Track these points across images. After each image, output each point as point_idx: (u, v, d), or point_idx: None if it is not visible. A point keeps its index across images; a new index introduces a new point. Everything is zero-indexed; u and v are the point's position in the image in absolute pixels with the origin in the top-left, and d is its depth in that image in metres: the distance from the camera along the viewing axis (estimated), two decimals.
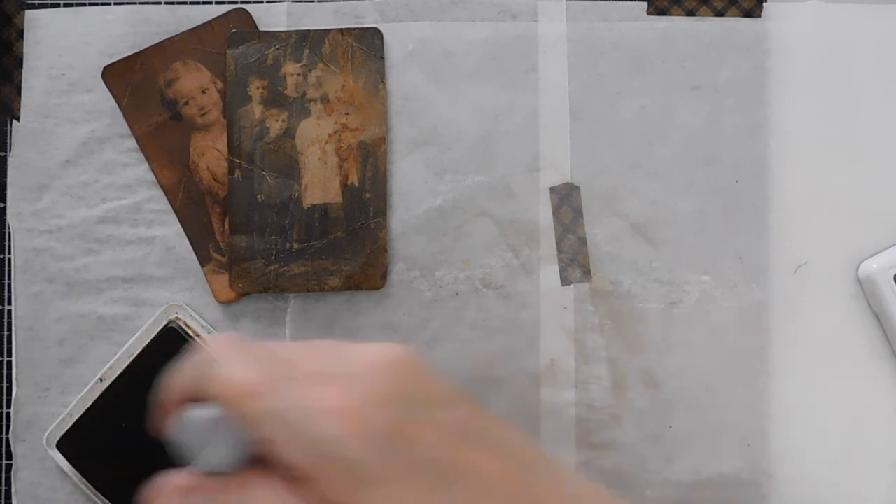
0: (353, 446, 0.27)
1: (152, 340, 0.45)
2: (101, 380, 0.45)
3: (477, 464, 0.29)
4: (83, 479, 0.44)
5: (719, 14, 0.47)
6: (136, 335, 0.45)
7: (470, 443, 0.30)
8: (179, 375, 0.32)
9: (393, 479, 0.28)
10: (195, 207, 0.46)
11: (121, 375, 0.45)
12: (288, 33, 0.46)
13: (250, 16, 0.46)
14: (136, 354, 0.45)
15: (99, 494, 0.44)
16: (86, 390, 0.45)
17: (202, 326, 0.45)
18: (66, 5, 0.46)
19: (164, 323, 0.45)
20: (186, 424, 0.31)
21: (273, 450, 0.29)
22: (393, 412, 0.28)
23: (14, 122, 0.46)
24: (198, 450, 0.30)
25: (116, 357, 0.45)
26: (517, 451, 0.31)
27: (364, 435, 0.27)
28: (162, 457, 0.43)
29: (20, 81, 0.46)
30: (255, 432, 0.29)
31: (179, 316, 0.45)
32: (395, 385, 0.29)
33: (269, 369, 0.29)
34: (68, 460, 0.44)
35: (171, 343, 0.45)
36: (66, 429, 0.45)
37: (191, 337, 0.45)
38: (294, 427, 0.28)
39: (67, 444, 0.45)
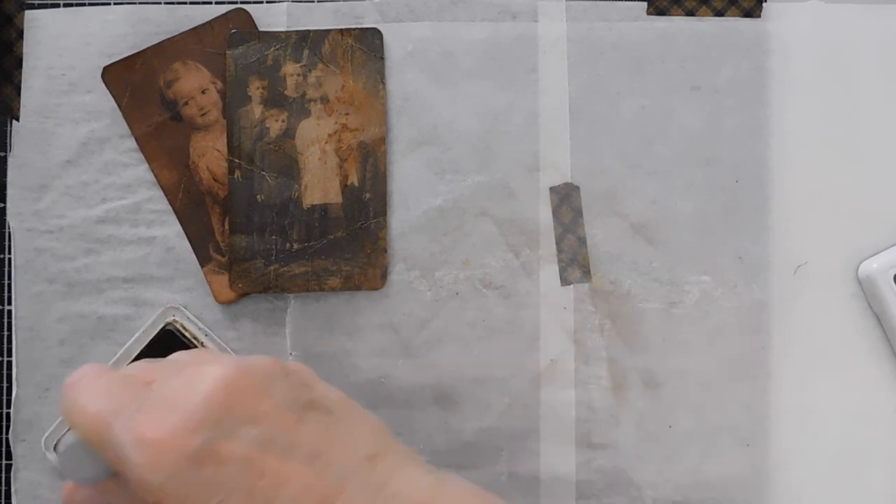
0: (157, 475, 0.31)
1: (150, 343, 0.45)
2: None
3: (287, 475, 0.32)
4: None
5: (719, 14, 0.47)
6: (134, 337, 0.45)
7: (281, 455, 0.32)
8: (60, 402, 0.35)
9: (199, 501, 0.31)
10: (195, 207, 0.46)
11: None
12: (288, 33, 0.46)
13: (250, 16, 0.46)
14: (133, 357, 0.45)
15: None
16: None
17: (199, 329, 0.45)
18: (66, 5, 0.46)
19: (162, 325, 0.45)
20: (60, 447, 0.35)
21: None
22: (200, 437, 0.31)
23: (14, 122, 0.46)
24: (69, 466, 0.34)
25: (114, 359, 0.45)
26: (339, 455, 0.33)
27: (168, 463, 0.31)
28: None
29: (20, 81, 0.46)
30: (103, 455, 0.33)
31: (177, 318, 0.45)
32: (207, 410, 0.31)
33: (116, 400, 0.33)
34: None
35: (168, 345, 0.45)
36: (64, 431, 0.45)
37: (188, 339, 0.45)
38: (120, 455, 0.32)
39: None
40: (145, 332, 0.45)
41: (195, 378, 0.33)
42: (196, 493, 0.31)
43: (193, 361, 0.35)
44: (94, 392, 0.33)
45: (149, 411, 0.32)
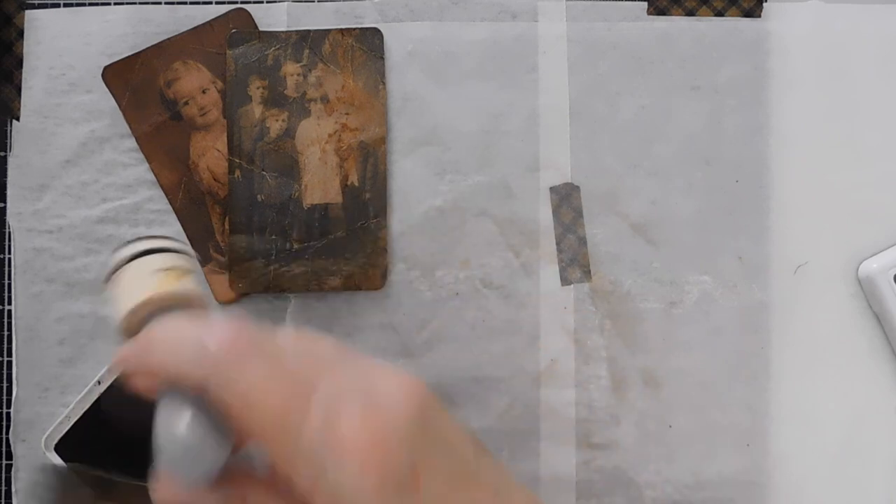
0: (365, 482, 0.26)
1: None
2: (98, 382, 0.45)
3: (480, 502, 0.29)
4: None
5: (719, 14, 0.47)
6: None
7: (475, 483, 0.29)
8: (172, 355, 0.29)
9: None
10: (195, 207, 0.46)
11: (118, 378, 0.45)
12: (288, 33, 0.46)
13: (250, 16, 0.46)
14: None
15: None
16: (83, 393, 0.45)
17: None
18: (66, 5, 0.46)
19: None
20: (180, 427, 0.29)
21: (281, 472, 0.28)
22: (409, 454, 0.27)
23: (14, 122, 0.46)
24: (181, 458, 0.29)
25: (104, 370, 0.45)
26: (513, 489, 0.30)
27: (381, 485, 0.27)
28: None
29: (20, 81, 0.46)
30: (271, 460, 0.28)
31: None
32: (415, 421, 0.28)
33: (297, 393, 0.28)
34: (67, 463, 0.44)
35: None
36: (63, 432, 0.45)
37: None
38: (317, 462, 0.27)
39: (65, 448, 0.45)
40: None
41: (383, 388, 0.28)
42: None
43: (359, 366, 0.29)
44: (269, 376, 0.28)
45: (352, 417, 0.27)
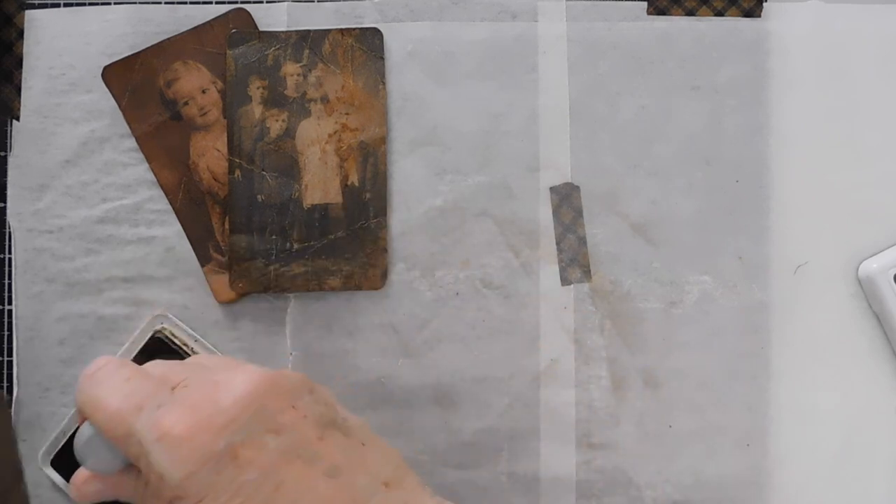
0: (178, 471, 0.31)
1: (140, 351, 0.45)
2: None
3: (307, 486, 0.32)
4: None
5: (719, 14, 0.47)
6: (124, 347, 0.45)
7: (303, 465, 0.33)
8: (76, 394, 0.35)
9: (212, 499, 0.31)
10: (195, 207, 0.46)
11: None
12: (288, 33, 0.46)
13: (250, 16, 0.46)
14: None
15: None
16: (76, 408, 0.45)
17: (189, 335, 0.45)
18: (66, 5, 0.46)
19: (151, 333, 0.45)
20: (78, 438, 0.36)
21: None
22: (224, 439, 0.32)
23: (14, 122, 0.46)
24: (88, 457, 0.35)
25: None
26: (358, 476, 0.34)
27: (190, 461, 0.31)
28: None
29: (20, 81, 0.46)
30: (122, 449, 0.34)
31: (165, 326, 0.45)
32: (234, 413, 0.32)
33: (138, 395, 0.33)
34: (64, 478, 0.44)
35: (159, 353, 0.45)
36: (59, 446, 0.45)
37: (178, 346, 0.45)
38: (140, 450, 0.32)
39: (62, 461, 0.44)
40: (134, 342, 0.45)
41: (226, 382, 0.33)
42: (214, 493, 0.31)
43: (223, 366, 0.35)
44: (115, 386, 0.34)
45: (173, 409, 0.32)
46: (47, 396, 0.46)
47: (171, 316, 0.45)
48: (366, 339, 0.46)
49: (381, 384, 0.46)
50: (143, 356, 0.45)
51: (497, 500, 0.46)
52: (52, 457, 0.45)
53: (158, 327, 0.45)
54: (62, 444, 0.44)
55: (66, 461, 0.44)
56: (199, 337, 0.45)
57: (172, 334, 0.45)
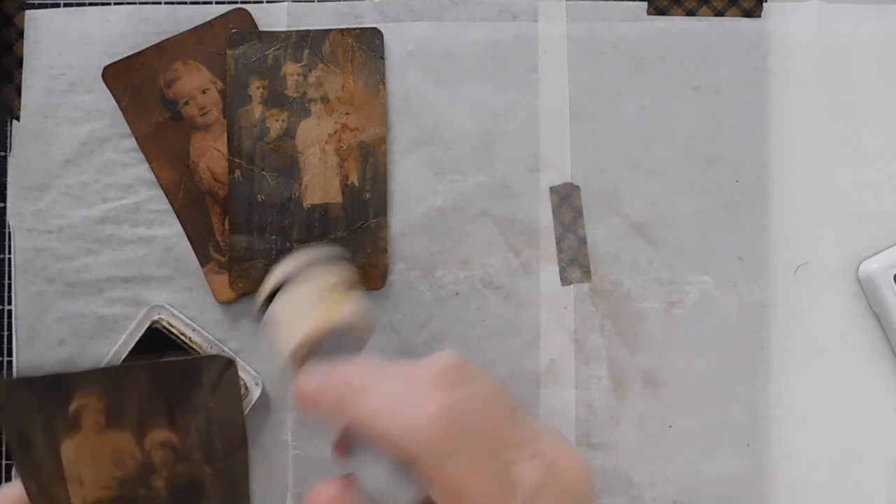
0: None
1: (137, 344, 0.45)
2: None
3: (521, 442, 0.32)
4: None
5: (719, 14, 0.47)
6: (121, 340, 0.45)
7: (513, 430, 0.33)
8: (322, 393, 0.33)
9: (454, 453, 0.31)
10: (195, 207, 0.46)
11: None
12: (288, 33, 0.46)
13: (250, 16, 0.46)
14: (122, 359, 0.45)
15: None
16: None
17: (186, 325, 0.45)
18: (66, 5, 0.46)
19: (148, 325, 0.45)
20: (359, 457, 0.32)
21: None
22: (458, 411, 0.31)
23: (14, 122, 0.46)
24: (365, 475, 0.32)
25: (104, 363, 0.45)
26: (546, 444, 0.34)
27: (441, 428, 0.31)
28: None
29: (20, 81, 0.46)
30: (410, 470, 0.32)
31: (162, 316, 0.45)
32: (454, 383, 0.32)
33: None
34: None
35: (156, 344, 0.45)
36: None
37: (175, 336, 0.45)
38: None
39: None
40: (132, 333, 0.45)
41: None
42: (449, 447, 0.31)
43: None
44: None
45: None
46: None
47: (167, 306, 0.45)
48: None
49: None
50: (141, 348, 0.45)
51: None
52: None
53: (155, 318, 0.45)
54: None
55: None
56: (196, 327, 0.45)
57: (170, 324, 0.45)
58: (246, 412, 0.45)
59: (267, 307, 0.34)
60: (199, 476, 0.31)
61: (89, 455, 0.27)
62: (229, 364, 0.28)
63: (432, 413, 0.31)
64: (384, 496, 0.32)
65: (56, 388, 0.25)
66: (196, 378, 0.28)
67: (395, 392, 0.32)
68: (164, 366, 0.27)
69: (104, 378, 0.26)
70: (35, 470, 0.27)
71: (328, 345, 0.33)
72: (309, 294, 0.33)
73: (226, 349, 0.45)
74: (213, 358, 0.28)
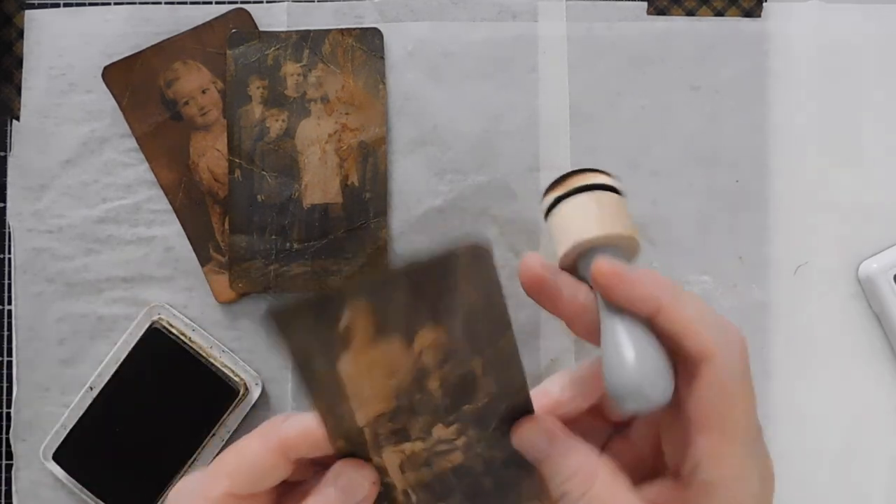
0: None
1: (137, 343, 0.45)
2: (90, 388, 0.45)
3: None
4: (83, 489, 0.44)
5: (719, 14, 0.47)
6: (122, 339, 0.45)
7: None
8: (639, 280, 0.32)
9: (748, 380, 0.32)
10: (195, 207, 0.46)
11: (109, 382, 0.45)
12: (288, 33, 0.46)
13: (250, 16, 0.46)
14: (122, 359, 0.45)
15: (99, 502, 0.44)
16: (76, 400, 0.45)
17: (186, 324, 0.45)
18: (66, 5, 0.46)
19: (148, 325, 0.45)
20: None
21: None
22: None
23: (14, 122, 0.46)
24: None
25: (104, 364, 0.45)
26: None
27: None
28: (156, 458, 0.43)
29: (20, 81, 0.46)
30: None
31: (162, 316, 0.45)
32: None
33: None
34: (66, 471, 0.44)
35: (156, 344, 0.45)
36: (60, 440, 0.44)
37: (175, 336, 0.45)
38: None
39: (64, 456, 0.44)
40: (132, 333, 0.45)
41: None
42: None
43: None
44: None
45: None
46: (47, 396, 0.46)
47: (167, 306, 0.45)
48: None
49: None
50: (141, 348, 0.45)
51: None
52: (53, 451, 0.45)
53: (155, 318, 0.45)
54: (63, 438, 0.44)
55: (67, 456, 0.44)
56: (196, 326, 0.45)
57: (170, 324, 0.45)
58: (246, 412, 0.45)
59: (552, 207, 0.35)
60: (471, 368, 0.30)
61: (365, 368, 0.27)
62: (483, 250, 0.27)
63: (745, 342, 0.32)
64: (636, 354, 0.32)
65: (326, 307, 0.25)
66: (453, 273, 0.27)
67: (707, 308, 0.32)
68: (421, 267, 0.27)
69: (371, 289, 0.26)
70: (322, 391, 0.27)
71: (602, 252, 0.33)
72: (601, 203, 0.34)
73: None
74: (466, 248, 0.27)
